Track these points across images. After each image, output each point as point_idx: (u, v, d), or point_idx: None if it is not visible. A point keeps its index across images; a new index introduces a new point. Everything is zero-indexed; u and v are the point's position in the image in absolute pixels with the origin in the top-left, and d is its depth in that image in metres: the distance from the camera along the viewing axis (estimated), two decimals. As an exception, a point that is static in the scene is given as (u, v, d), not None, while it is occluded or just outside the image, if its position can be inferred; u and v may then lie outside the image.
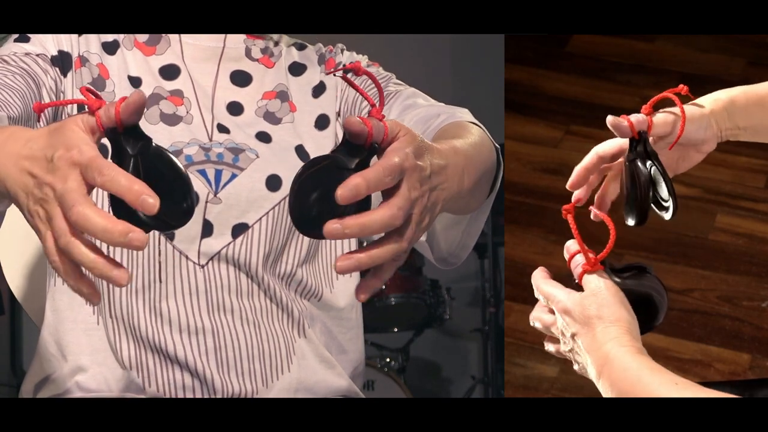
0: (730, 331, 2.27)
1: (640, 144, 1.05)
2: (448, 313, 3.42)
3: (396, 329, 3.43)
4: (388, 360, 3.37)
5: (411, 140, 0.86)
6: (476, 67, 3.99)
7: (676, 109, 1.07)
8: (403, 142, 0.85)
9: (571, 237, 1.03)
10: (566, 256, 1.03)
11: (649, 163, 1.04)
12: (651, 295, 1.02)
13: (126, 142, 0.82)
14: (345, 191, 0.80)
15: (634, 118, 1.05)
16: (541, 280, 1.03)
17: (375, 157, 0.85)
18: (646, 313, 1.01)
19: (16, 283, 1.43)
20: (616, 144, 1.08)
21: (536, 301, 1.05)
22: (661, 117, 1.07)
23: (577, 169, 1.09)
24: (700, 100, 1.11)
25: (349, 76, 1.36)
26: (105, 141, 0.83)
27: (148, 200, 0.75)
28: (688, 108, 1.08)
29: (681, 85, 1.07)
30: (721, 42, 3.02)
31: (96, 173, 0.76)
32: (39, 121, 1.22)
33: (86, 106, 0.83)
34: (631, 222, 1.06)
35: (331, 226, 0.81)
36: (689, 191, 2.56)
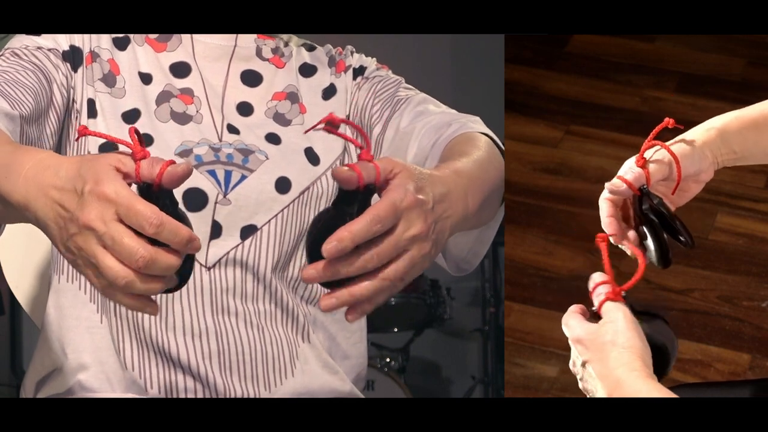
0: (730, 331, 2.27)
1: (645, 198, 1.05)
2: (448, 313, 3.42)
3: (396, 329, 3.42)
4: (388, 360, 3.37)
5: (408, 176, 0.85)
6: (476, 67, 3.98)
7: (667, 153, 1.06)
8: (401, 178, 0.85)
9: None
10: (590, 286, 1.01)
11: (657, 214, 1.04)
12: (665, 345, 0.99)
13: (154, 200, 0.81)
14: (330, 246, 0.81)
15: (631, 175, 1.05)
16: (568, 312, 1.01)
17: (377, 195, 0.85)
18: (655, 362, 0.98)
19: (16, 283, 1.43)
20: (623, 187, 1.08)
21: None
22: (655, 166, 1.07)
23: (604, 222, 1.08)
24: (690, 134, 1.10)
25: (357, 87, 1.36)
26: None
27: (195, 243, 0.79)
28: (679, 146, 1.08)
29: (667, 119, 1.07)
30: (721, 42, 3.01)
31: (145, 222, 0.77)
32: (49, 118, 1.22)
33: (124, 149, 0.82)
34: (657, 263, 1.06)
35: (308, 272, 0.83)
36: (689, 191, 2.55)
